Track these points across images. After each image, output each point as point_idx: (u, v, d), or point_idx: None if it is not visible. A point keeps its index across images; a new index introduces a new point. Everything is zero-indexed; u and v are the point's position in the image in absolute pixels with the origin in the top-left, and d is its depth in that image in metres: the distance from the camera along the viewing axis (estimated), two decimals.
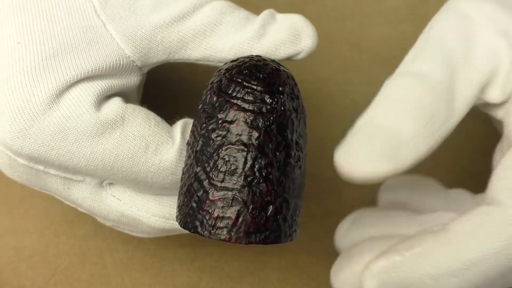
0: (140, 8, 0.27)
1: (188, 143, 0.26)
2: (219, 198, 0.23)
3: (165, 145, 0.27)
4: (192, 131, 0.26)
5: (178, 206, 0.25)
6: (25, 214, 0.37)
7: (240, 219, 0.22)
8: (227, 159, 0.23)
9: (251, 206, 0.23)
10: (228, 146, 0.23)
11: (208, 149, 0.24)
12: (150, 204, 0.28)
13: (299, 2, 0.37)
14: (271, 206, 0.23)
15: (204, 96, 0.26)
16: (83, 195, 0.28)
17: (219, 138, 0.24)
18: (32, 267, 0.36)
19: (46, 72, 0.25)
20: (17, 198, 0.37)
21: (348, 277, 0.28)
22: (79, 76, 0.26)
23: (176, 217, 0.25)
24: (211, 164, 0.23)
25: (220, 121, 0.24)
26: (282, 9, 0.36)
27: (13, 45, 0.26)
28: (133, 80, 0.29)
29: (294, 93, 0.25)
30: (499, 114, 0.27)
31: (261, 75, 0.24)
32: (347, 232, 0.31)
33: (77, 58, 0.26)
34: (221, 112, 0.24)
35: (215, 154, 0.23)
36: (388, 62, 0.37)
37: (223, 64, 0.28)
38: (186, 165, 0.25)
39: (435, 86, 0.25)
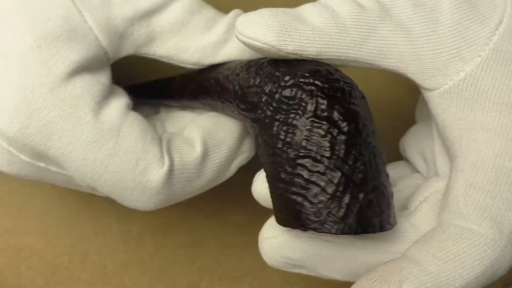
0: None
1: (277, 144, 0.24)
2: (327, 193, 0.22)
3: (154, 165, 0.26)
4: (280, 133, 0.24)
5: (278, 209, 0.24)
6: (25, 214, 0.37)
7: (353, 210, 0.22)
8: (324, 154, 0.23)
9: (359, 195, 0.22)
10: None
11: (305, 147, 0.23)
12: None
13: (299, 2, 0.37)
14: (372, 194, 0.23)
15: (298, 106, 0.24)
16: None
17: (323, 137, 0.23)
18: (32, 267, 0.36)
19: (39, 64, 0.25)
20: (17, 198, 0.37)
21: None
22: (69, 69, 0.25)
23: (279, 219, 0.24)
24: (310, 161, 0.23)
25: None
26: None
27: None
28: (107, 75, 0.27)
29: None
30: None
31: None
32: None
33: (62, 49, 0.25)
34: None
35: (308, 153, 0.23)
36: None
37: (184, 65, 0.28)
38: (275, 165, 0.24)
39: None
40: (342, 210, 0.22)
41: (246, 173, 0.38)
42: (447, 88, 0.24)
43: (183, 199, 0.28)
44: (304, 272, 0.26)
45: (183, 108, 0.32)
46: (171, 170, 0.26)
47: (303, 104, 0.23)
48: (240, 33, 0.24)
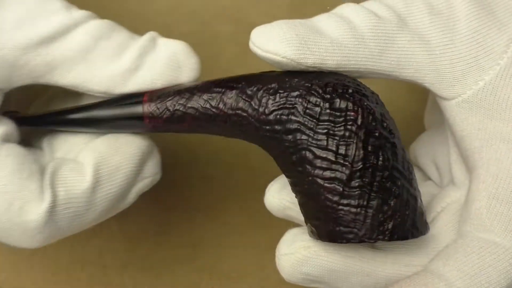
0: (3, 22, 0.24)
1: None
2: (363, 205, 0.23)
3: (32, 204, 0.24)
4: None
5: (315, 226, 0.24)
6: None
7: (392, 221, 0.23)
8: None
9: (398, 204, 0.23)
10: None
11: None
12: None
13: (299, 2, 0.37)
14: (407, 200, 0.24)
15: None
16: None
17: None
18: (32, 267, 0.36)
19: None
20: None
21: None
22: None
23: (323, 233, 0.24)
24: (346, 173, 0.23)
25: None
26: (282, 9, 0.36)
27: None
28: None
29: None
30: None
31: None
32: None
33: None
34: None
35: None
36: None
37: (93, 93, 0.25)
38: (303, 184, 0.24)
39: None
40: (391, 221, 0.23)
41: (246, 173, 0.38)
42: (466, 98, 0.24)
43: (73, 233, 0.27)
44: (323, 287, 0.26)
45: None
46: (53, 207, 0.24)
47: (352, 114, 0.23)
48: (257, 47, 0.24)
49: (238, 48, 0.37)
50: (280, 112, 0.24)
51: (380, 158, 0.23)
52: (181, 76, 0.26)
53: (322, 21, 0.24)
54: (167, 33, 0.38)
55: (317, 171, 0.23)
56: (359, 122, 0.23)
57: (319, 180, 0.23)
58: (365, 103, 0.23)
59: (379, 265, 0.25)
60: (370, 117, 0.23)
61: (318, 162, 0.23)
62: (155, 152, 0.27)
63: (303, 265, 0.25)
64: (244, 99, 0.24)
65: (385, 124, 0.24)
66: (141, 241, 0.37)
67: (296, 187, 0.25)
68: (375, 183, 0.23)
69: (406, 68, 0.24)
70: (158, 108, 0.25)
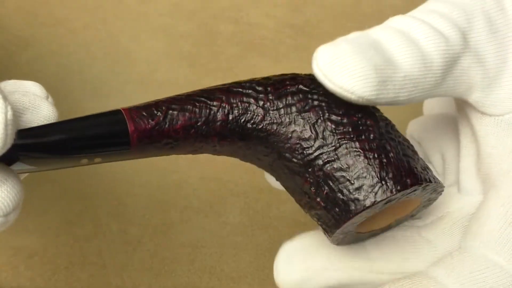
0: None
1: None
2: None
3: None
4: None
5: (326, 222, 0.24)
6: (25, 214, 0.37)
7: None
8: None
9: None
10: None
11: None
12: None
13: (299, 2, 0.37)
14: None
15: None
16: None
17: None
18: (32, 267, 0.36)
19: None
20: None
21: None
22: None
23: (329, 230, 0.23)
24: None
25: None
26: (282, 9, 0.36)
27: None
28: None
29: None
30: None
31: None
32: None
33: None
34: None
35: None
36: None
37: None
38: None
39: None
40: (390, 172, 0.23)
41: (246, 173, 0.38)
42: (508, 118, 0.24)
43: None
44: None
45: None
46: None
47: (370, 128, 0.23)
48: (328, 79, 0.21)
49: (238, 48, 0.37)
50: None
51: (368, 123, 0.23)
52: None
53: (392, 43, 0.22)
54: (167, 33, 0.38)
55: (318, 161, 0.23)
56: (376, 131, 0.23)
57: (327, 168, 0.23)
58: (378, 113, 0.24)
59: (376, 276, 0.25)
60: (382, 123, 0.24)
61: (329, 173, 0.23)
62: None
63: (303, 285, 0.25)
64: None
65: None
66: (141, 241, 0.37)
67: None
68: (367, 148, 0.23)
69: (458, 88, 0.23)
70: (144, 114, 0.22)
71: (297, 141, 0.23)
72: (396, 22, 0.23)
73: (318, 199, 0.23)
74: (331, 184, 0.23)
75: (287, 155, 0.24)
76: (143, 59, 0.38)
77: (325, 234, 0.24)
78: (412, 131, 0.29)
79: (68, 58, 0.38)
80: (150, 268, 0.37)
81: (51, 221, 0.37)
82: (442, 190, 0.24)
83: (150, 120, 0.22)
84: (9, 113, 0.18)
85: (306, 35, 0.37)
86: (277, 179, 0.25)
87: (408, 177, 0.23)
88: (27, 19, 0.37)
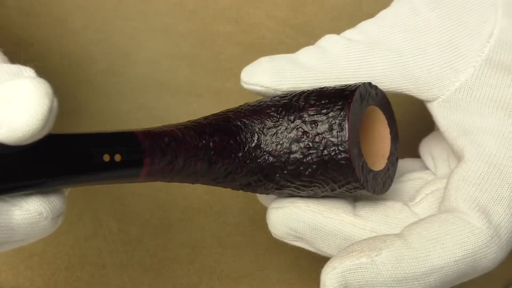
0: None
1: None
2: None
3: None
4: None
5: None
6: None
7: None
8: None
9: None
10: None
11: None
12: None
13: (299, 2, 0.37)
14: None
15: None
16: None
17: None
18: (32, 267, 0.36)
19: None
20: None
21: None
22: None
23: None
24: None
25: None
26: (282, 9, 0.36)
27: None
28: None
29: None
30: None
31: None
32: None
33: None
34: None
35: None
36: None
37: None
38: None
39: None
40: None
41: None
42: (445, 98, 0.27)
43: None
44: (305, 246, 0.28)
45: None
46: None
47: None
48: (244, 82, 0.28)
49: (238, 48, 0.37)
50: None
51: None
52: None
53: (301, 52, 0.28)
54: (167, 33, 0.38)
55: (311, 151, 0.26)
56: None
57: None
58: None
59: (357, 231, 0.26)
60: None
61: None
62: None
63: (288, 219, 0.27)
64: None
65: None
66: (141, 241, 0.37)
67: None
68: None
69: (381, 81, 0.27)
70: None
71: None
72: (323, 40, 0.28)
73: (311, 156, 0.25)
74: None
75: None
76: (143, 59, 0.38)
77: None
78: (423, 146, 0.32)
79: (68, 58, 0.38)
80: (150, 268, 0.37)
81: None
82: (376, 86, 0.27)
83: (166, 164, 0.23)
84: (55, 99, 0.19)
85: (306, 35, 0.37)
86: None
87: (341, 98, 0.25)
88: (27, 19, 0.37)
